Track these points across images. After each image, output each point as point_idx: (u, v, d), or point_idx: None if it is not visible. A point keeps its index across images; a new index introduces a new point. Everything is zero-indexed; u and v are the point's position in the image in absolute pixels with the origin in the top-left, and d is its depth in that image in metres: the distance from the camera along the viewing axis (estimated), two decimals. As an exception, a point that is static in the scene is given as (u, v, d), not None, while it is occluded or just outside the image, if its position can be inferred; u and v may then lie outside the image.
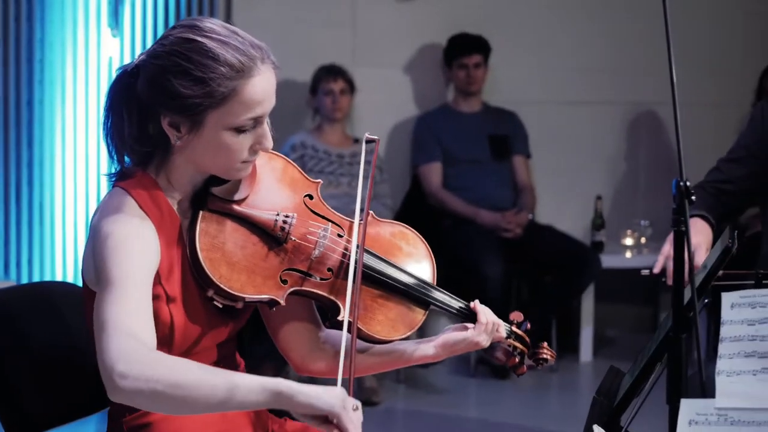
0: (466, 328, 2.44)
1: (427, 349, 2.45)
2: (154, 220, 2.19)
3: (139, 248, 2.12)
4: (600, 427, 2.25)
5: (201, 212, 2.22)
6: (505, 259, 5.98)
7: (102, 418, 2.43)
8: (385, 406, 5.50)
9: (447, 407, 5.61)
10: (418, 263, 2.45)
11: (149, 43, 5.54)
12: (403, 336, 2.38)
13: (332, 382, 2.08)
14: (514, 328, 2.52)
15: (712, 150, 6.91)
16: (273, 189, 2.31)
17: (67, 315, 2.53)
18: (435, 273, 2.47)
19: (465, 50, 6.37)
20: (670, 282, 3.14)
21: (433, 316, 2.43)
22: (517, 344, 2.51)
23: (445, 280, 2.54)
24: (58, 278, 5.72)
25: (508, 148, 6.45)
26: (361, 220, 2.33)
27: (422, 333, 2.64)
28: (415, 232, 2.49)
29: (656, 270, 3.19)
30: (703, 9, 6.90)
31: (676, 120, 2.18)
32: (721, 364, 2.19)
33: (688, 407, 2.00)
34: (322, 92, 6.12)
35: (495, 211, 6.19)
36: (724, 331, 2.27)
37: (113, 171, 2.28)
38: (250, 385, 1.96)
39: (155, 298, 2.14)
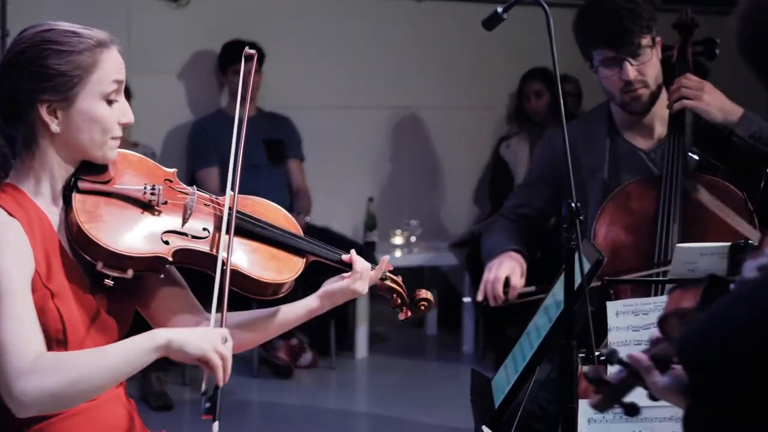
0: (344, 279, 2.59)
1: (310, 302, 2.59)
2: (23, 221, 2.26)
3: (10, 257, 2.20)
4: (487, 428, 2.41)
5: (74, 195, 2.34)
6: (285, 261, 6.05)
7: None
8: (177, 411, 5.53)
9: (229, 408, 5.66)
10: (284, 222, 2.62)
11: None
12: (289, 278, 2.50)
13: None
14: (387, 273, 2.67)
15: (474, 150, 7.27)
16: (134, 175, 2.45)
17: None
18: (301, 231, 2.64)
19: (239, 57, 6.39)
20: (492, 304, 3.33)
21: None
22: (393, 285, 2.67)
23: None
24: None
25: (283, 151, 6.56)
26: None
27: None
28: (269, 201, 2.69)
29: (479, 297, 3.37)
30: (468, 16, 7.20)
31: (565, 142, 2.38)
32: (612, 368, 2.39)
33: (586, 407, 2.10)
34: (99, 99, 6.07)
35: (273, 214, 6.26)
36: (611, 336, 2.53)
37: None
38: (139, 350, 2.19)
39: (41, 299, 2.23)
